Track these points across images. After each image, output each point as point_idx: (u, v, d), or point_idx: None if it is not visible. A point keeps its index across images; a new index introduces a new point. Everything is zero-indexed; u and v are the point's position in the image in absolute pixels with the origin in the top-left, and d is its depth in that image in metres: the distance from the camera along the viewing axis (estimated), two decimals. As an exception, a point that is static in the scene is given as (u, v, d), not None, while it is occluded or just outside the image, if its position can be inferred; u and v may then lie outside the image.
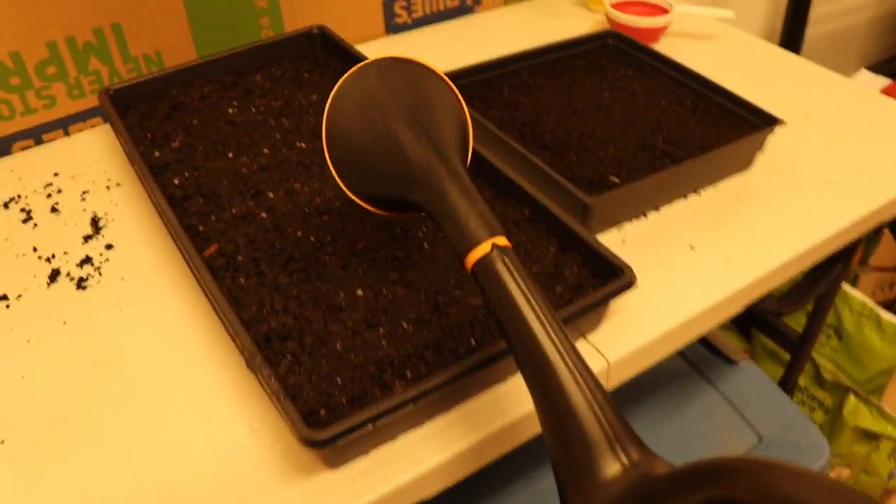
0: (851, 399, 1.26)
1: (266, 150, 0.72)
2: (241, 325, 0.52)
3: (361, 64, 0.54)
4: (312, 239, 0.62)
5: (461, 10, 1.06)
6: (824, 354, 1.34)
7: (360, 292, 0.57)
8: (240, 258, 0.60)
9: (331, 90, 0.54)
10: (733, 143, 0.73)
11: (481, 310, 0.56)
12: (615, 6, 1.01)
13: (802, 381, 1.34)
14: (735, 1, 1.49)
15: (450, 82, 0.54)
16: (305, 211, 0.65)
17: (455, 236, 0.46)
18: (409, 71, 0.54)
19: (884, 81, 1.50)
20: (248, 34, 0.92)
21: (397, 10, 1.00)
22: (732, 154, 0.74)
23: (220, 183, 0.68)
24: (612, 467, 0.38)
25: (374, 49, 0.99)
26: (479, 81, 0.83)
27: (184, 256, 0.61)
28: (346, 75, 0.54)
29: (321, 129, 0.54)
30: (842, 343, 1.32)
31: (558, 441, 0.40)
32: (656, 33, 0.98)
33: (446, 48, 1.00)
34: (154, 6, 0.84)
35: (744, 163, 0.77)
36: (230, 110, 0.78)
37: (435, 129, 0.51)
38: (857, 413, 1.26)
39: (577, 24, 1.06)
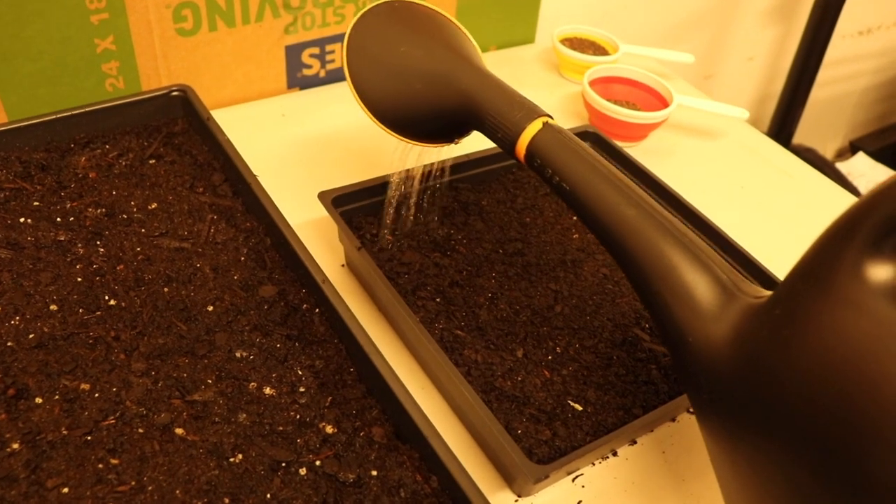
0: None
1: (54, 307, 0.47)
2: None
3: (365, 10, 0.52)
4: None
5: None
6: None
7: None
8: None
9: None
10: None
11: None
12: (595, 83, 0.77)
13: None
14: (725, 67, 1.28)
15: (446, 14, 0.54)
16: (87, 440, 0.41)
17: (503, 125, 0.46)
18: (410, 8, 0.53)
19: (883, 171, 1.31)
20: (86, 86, 0.65)
21: (306, 58, 0.74)
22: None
23: (-38, 366, 0.43)
24: (725, 298, 0.37)
25: (269, 109, 0.74)
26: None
27: None
28: (356, 19, 0.52)
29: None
30: None
31: (660, 288, 0.38)
32: (646, 129, 0.74)
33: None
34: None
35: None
36: (22, 219, 0.52)
37: (455, 44, 0.51)
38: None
39: (545, 97, 0.82)
